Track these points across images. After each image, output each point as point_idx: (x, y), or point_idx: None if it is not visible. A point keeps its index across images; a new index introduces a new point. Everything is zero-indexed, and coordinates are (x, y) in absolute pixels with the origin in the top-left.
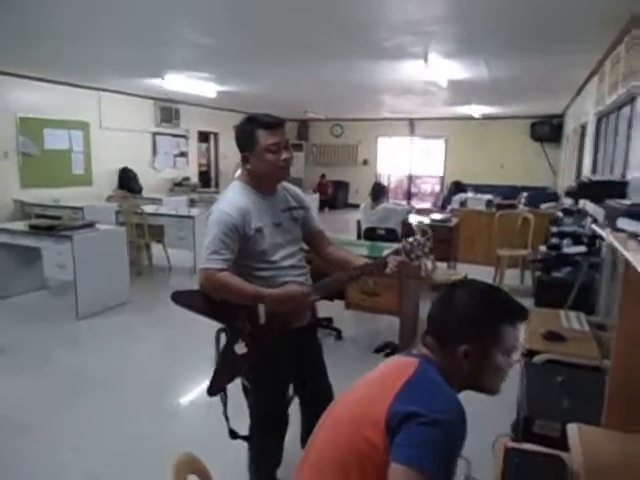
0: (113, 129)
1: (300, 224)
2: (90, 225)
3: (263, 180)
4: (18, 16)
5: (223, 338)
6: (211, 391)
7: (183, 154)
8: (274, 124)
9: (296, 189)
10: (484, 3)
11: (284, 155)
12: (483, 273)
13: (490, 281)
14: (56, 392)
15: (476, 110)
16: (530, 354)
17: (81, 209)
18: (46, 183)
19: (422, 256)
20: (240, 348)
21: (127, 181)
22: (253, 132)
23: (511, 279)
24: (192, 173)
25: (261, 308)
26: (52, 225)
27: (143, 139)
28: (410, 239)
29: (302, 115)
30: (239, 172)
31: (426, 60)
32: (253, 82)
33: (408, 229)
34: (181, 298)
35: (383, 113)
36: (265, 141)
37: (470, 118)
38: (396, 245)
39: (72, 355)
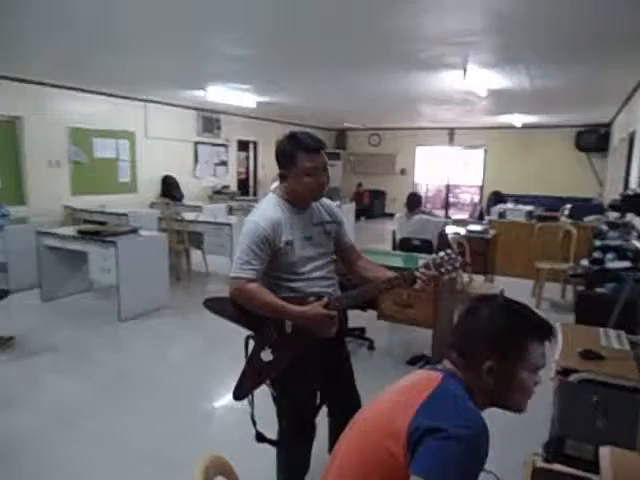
0: (157, 138)
1: (332, 238)
2: (133, 231)
3: (297, 197)
4: (72, 34)
5: (252, 344)
6: (237, 395)
7: (223, 163)
8: (314, 147)
9: (330, 203)
10: (523, 13)
11: (321, 179)
12: (522, 286)
13: (529, 294)
14: (98, 391)
15: (518, 119)
16: (565, 372)
17: (125, 215)
18: (94, 190)
19: (452, 270)
20: (266, 355)
21: (169, 189)
22: (293, 153)
23: (552, 293)
24: (231, 181)
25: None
26: (98, 230)
27: (185, 148)
28: (441, 253)
29: (339, 124)
30: (275, 184)
31: (465, 70)
32: (291, 93)
33: (444, 241)
34: (212, 304)
35: (422, 122)
36: (304, 164)
37: (511, 127)
38: (430, 257)
39: (113, 356)
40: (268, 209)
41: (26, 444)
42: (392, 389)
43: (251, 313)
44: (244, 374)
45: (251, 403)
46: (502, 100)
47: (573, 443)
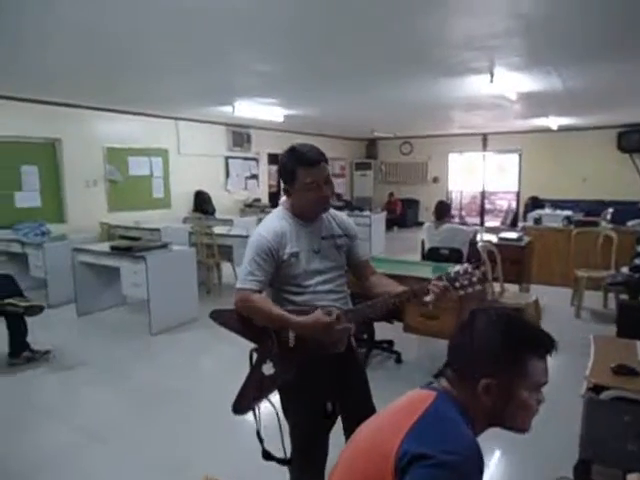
0: (189, 154)
1: (344, 252)
2: (163, 246)
3: (302, 211)
4: (105, 59)
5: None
6: (236, 409)
7: (254, 176)
8: (313, 161)
9: (344, 217)
10: (547, 14)
11: (323, 192)
12: (560, 295)
13: (568, 304)
14: (129, 404)
15: (553, 122)
16: (597, 389)
17: (158, 230)
18: (129, 207)
19: (469, 286)
20: (268, 369)
21: (202, 203)
22: (293, 169)
23: (592, 303)
24: (262, 194)
25: (291, 331)
26: (129, 246)
27: (217, 163)
28: (457, 267)
29: (369, 134)
30: (284, 198)
31: (492, 74)
32: (318, 105)
33: (474, 250)
34: (218, 316)
35: (453, 129)
36: (304, 179)
37: (546, 130)
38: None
39: (144, 369)
40: (273, 221)
41: (58, 458)
42: (389, 407)
43: (254, 325)
44: (244, 387)
45: (257, 418)
46: (534, 103)
47: (600, 468)
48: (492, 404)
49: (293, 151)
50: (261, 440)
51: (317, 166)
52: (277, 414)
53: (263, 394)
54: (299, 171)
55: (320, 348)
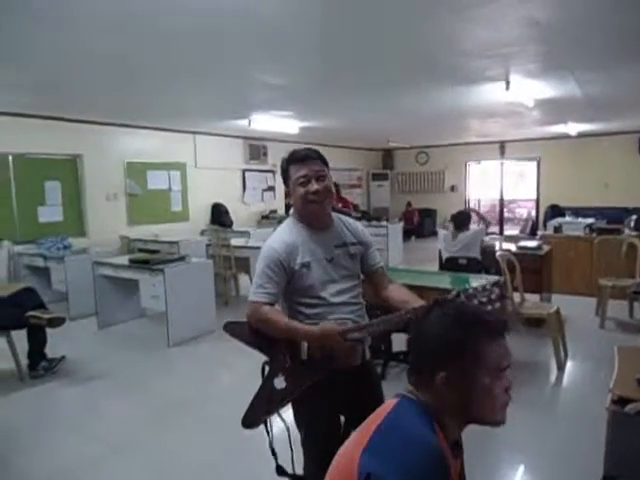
0: (207, 168)
1: (358, 260)
2: (181, 258)
3: (302, 213)
4: (127, 79)
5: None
6: (246, 423)
7: (271, 188)
8: (303, 157)
9: (357, 225)
10: (561, 19)
11: (313, 187)
12: (583, 305)
13: (592, 314)
14: (147, 416)
15: (572, 128)
16: (622, 402)
17: (177, 243)
18: (149, 220)
19: (487, 303)
20: (279, 382)
21: (219, 216)
22: (287, 168)
23: (617, 312)
24: (279, 206)
25: (304, 344)
26: (147, 259)
27: (234, 176)
28: (475, 284)
29: (385, 145)
30: (293, 208)
31: (507, 82)
32: (333, 116)
33: (491, 258)
34: (231, 328)
35: (470, 137)
36: (295, 174)
37: (565, 137)
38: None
39: (162, 381)
40: (283, 232)
41: (79, 470)
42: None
43: (266, 337)
44: (254, 401)
45: (269, 433)
46: (552, 109)
47: None
48: (455, 397)
49: (290, 153)
50: (275, 455)
51: (307, 161)
52: (288, 429)
53: (273, 408)
54: (291, 168)
55: (333, 361)
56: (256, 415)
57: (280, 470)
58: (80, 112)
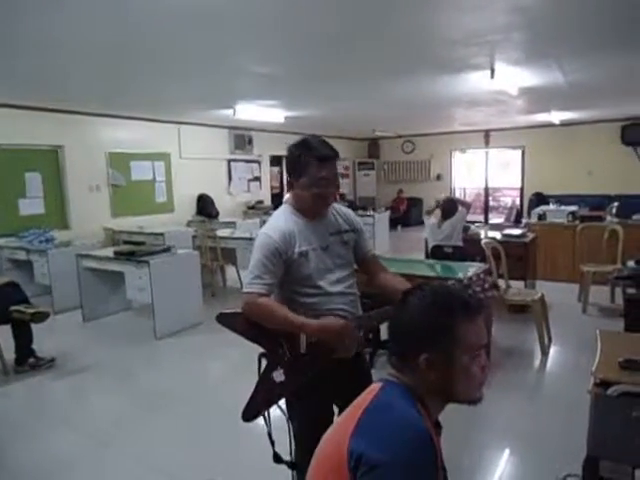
0: (192, 158)
1: (352, 248)
2: (166, 250)
3: (304, 206)
4: (104, 65)
5: (265, 362)
6: (245, 416)
7: (256, 178)
8: (328, 156)
9: (347, 211)
10: (545, 5)
11: (330, 189)
12: (567, 291)
13: (575, 300)
14: (135, 409)
15: (556, 117)
16: (604, 385)
17: (162, 234)
18: (133, 211)
19: (481, 292)
20: (278, 375)
21: (205, 206)
22: (306, 161)
23: (600, 298)
24: (265, 196)
25: (302, 337)
26: (133, 251)
27: (219, 166)
28: (469, 273)
29: (371, 134)
30: (288, 195)
31: (492, 70)
32: (319, 105)
33: (474, 247)
34: (225, 319)
35: (455, 126)
36: (317, 173)
37: (549, 125)
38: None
39: (149, 374)
40: (280, 220)
41: (66, 465)
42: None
43: (263, 330)
44: (254, 395)
45: (267, 422)
46: (536, 98)
47: (608, 464)
48: (437, 378)
49: (306, 143)
50: (272, 443)
51: (331, 161)
52: (287, 419)
53: (273, 401)
54: (312, 165)
55: (332, 352)
56: (256, 408)
57: (277, 457)
58: (61, 102)
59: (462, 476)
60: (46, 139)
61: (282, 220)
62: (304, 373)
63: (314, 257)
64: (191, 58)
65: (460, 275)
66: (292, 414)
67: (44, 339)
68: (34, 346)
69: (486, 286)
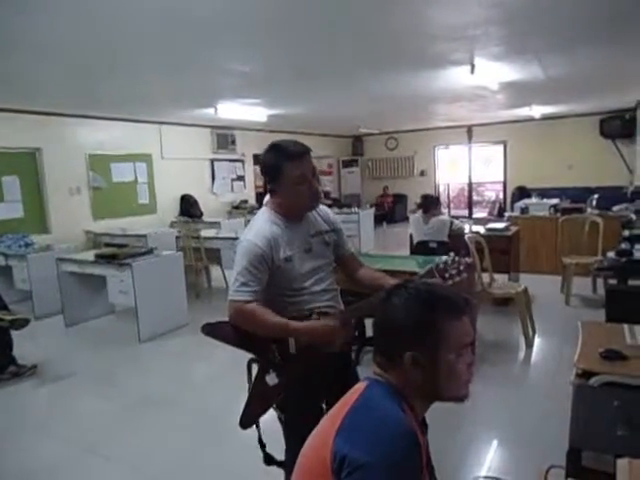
0: (174, 159)
1: (332, 247)
2: (149, 252)
3: (292, 210)
4: (79, 65)
5: (255, 368)
6: (243, 423)
7: (240, 178)
8: (299, 154)
9: (327, 210)
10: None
11: (314, 184)
12: (549, 283)
13: (557, 291)
14: (119, 414)
15: (536, 111)
16: (586, 375)
17: (145, 236)
18: (114, 214)
19: (457, 275)
20: (272, 379)
21: (188, 207)
22: (279, 164)
23: (582, 289)
24: (249, 195)
25: (291, 338)
26: (114, 254)
27: (202, 166)
28: (444, 258)
29: (355, 131)
30: (268, 197)
31: (472, 65)
32: (301, 103)
33: (459, 242)
34: (211, 330)
35: (438, 122)
36: (292, 173)
37: (530, 119)
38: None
39: (133, 378)
40: (262, 225)
41: (51, 472)
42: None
43: (252, 336)
44: (250, 401)
45: (257, 425)
46: (516, 92)
47: (590, 454)
48: (422, 376)
49: (276, 147)
50: (263, 445)
51: (304, 158)
52: (280, 419)
53: (269, 405)
54: (285, 166)
55: (321, 347)
56: (253, 414)
57: (268, 458)
58: (37, 103)
59: (447, 470)
60: (24, 141)
61: (265, 225)
62: (296, 372)
63: (298, 260)
64: (170, 56)
65: (437, 260)
66: (284, 416)
67: (25, 346)
68: (15, 353)
69: (461, 268)
